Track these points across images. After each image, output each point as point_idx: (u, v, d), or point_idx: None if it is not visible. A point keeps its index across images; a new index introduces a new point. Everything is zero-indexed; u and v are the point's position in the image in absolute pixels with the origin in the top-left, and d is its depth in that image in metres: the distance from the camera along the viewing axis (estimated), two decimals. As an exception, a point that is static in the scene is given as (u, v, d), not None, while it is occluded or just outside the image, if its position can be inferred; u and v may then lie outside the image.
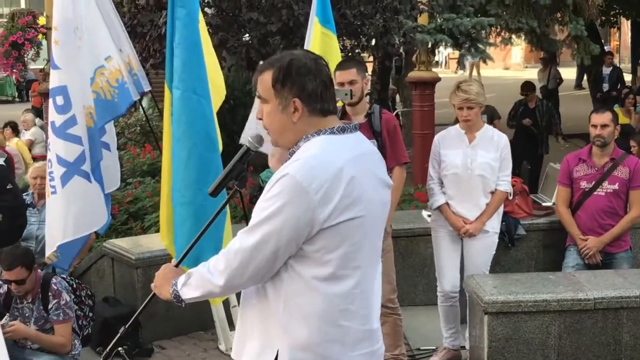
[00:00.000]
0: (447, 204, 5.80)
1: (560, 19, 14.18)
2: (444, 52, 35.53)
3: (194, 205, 5.40)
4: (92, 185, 6.14)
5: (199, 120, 5.53)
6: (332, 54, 6.28)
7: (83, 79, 6.18)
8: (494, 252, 5.97)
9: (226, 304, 6.23)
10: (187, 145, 5.48)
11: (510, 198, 6.22)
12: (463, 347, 6.02)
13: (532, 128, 12.05)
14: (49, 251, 6.18)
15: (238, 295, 3.74)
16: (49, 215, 6.27)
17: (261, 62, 2.96)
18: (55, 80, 6.12)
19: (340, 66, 5.44)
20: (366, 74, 5.61)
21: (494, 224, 5.88)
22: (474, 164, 5.71)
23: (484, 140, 5.75)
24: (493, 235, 5.89)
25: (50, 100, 6.14)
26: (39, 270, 5.78)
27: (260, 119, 2.92)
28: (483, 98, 5.74)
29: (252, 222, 2.76)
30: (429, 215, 6.30)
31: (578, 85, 27.21)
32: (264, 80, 2.84)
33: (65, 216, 6.09)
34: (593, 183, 6.33)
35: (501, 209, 5.97)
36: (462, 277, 5.89)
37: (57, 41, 6.15)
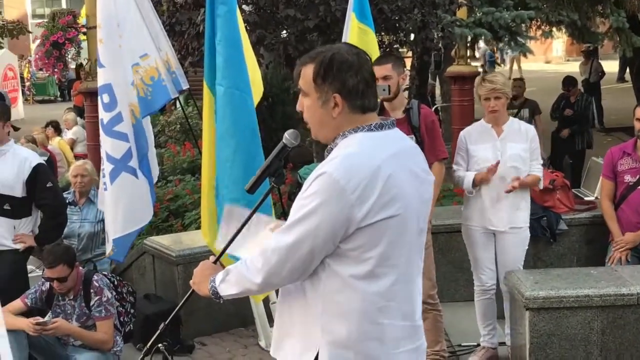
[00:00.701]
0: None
1: (601, 11, 14.00)
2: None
3: (244, 201, 5.41)
4: (139, 181, 6.23)
5: (243, 116, 5.55)
6: (370, 50, 6.25)
7: (126, 76, 6.26)
8: (527, 247, 5.92)
9: (266, 300, 6.24)
10: (232, 142, 5.49)
11: (541, 188, 6.15)
12: (503, 343, 5.97)
13: (573, 120, 11.87)
14: (108, 246, 6.33)
15: (278, 292, 3.75)
16: (105, 210, 6.38)
17: (303, 55, 2.95)
18: (101, 78, 6.22)
19: (376, 62, 5.42)
20: (404, 69, 5.58)
21: (522, 219, 5.82)
22: (505, 157, 5.69)
23: (512, 132, 5.75)
24: (524, 229, 5.83)
25: (99, 98, 6.23)
26: (80, 268, 5.84)
27: (300, 111, 2.92)
28: (509, 89, 5.76)
29: (289, 220, 2.77)
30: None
31: (620, 78, 26.84)
32: (305, 74, 2.84)
33: (115, 212, 6.20)
34: (638, 177, 6.26)
35: (528, 203, 5.88)
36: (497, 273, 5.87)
37: (102, 39, 6.23)
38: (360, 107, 2.81)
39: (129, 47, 6.35)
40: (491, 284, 5.91)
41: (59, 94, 31.14)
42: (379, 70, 5.30)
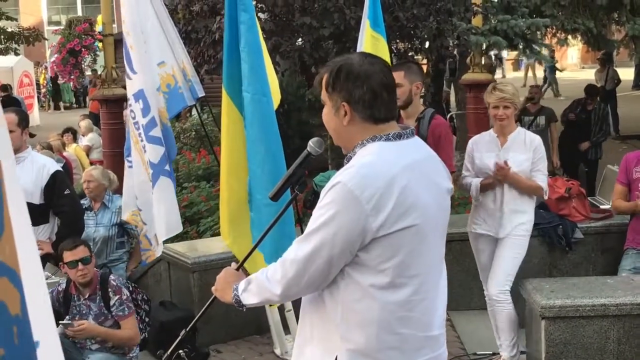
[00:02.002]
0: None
1: (617, 19, 13.97)
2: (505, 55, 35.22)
3: (277, 206, 5.40)
4: (172, 186, 6.32)
5: (270, 122, 5.57)
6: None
7: (154, 81, 6.33)
8: (520, 260, 5.74)
9: (282, 308, 6.25)
10: (261, 148, 5.51)
11: (545, 198, 6.08)
12: (523, 352, 5.91)
13: (581, 125, 11.71)
14: (159, 249, 6.48)
15: (294, 301, 3.76)
16: (153, 215, 6.48)
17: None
18: (135, 84, 6.28)
19: None
20: (421, 77, 5.57)
21: (525, 227, 5.72)
22: None
23: (516, 142, 5.73)
24: (523, 239, 5.73)
25: (135, 104, 6.29)
26: (95, 269, 5.86)
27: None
28: (518, 100, 5.76)
29: (306, 230, 2.78)
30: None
31: (636, 86, 26.76)
32: (321, 83, 2.89)
33: (158, 216, 6.26)
34: (653, 185, 6.24)
35: (532, 215, 5.80)
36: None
37: (132, 46, 6.29)
38: (370, 117, 2.81)
39: (150, 54, 6.41)
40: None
41: (74, 100, 31.30)
42: None
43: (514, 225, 5.69)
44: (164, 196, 6.26)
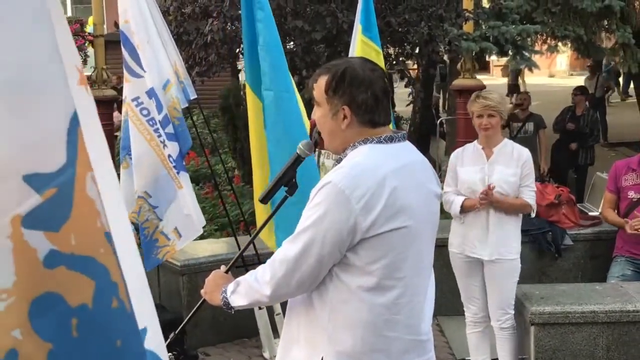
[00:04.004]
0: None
1: (607, 27, 14.03)
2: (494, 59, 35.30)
3: (303, 204, 5.31)
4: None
5: (296, 117, 5.48)
6: None
7: (161, 79, 6.32)
8: (517, 279, 5.47)
9: (270, 311, 6.24)
10: (288, 145, 5.39)
11: (533, 216, 5.83)
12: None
13: (576, 133, 11.79)
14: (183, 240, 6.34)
15: (282, 304, 3.76)
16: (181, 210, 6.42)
17: (321, 66, 2.98)
18: (147, 82, 6.25)
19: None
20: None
21: (512, 248, 5.39)
22: (491, 181, 5.30)
23: (502, 155, 5.39)
24: (514, 260, 5.40)
25: (150, 101, 6.27)
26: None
27: (314, 121, 2.95)
28: (504, 108, 5.40)
29: (296, 230, 2.79)
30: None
31: (625, 93, 26.88)
32: (319, 85, 2.87)
33: (188, 209, 6.22)
34: (642, 193, 6.27)
35: (519, 231, 5.48)
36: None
37: (139, 45, 6.27)
38: (369, 121, 2.83)
39: (156, 53, 6.39)
40: (481, 316, 5.60)
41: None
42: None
43: (501, 248, 5.36)
44: (189, 191, 6.24)
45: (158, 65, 6.32)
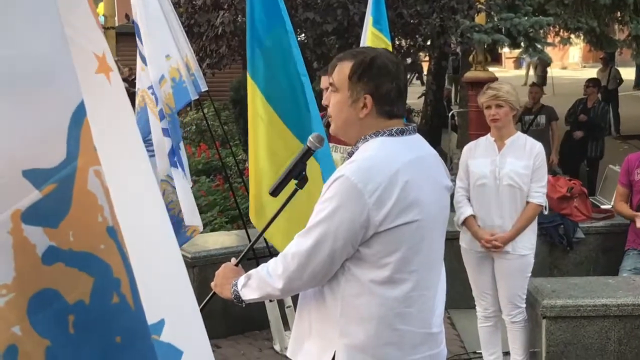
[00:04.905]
0: (473, 216, 5.38)
1: (620, 19, 13.96)
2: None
3: None
4: (184, 175, 6.26)
5: (314, 102, 5.40)
6: None
7: (157, 74, 6.31)
8: (529, 274, 5.37)
9: (281, 304, 6.24)
10: (319, 129, 5.28)
11: (546, 213, 5.80)
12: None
13: (588, 126, 11.71)
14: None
15: (293, 296, 3.75)
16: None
17: (343, 52, 2.94)
18: (150, 76, 6.25)
19: (323, 71, 5.31)
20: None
21: (526, 244, 5.31)
22: (502, 173, 5.24)
23: (514, 147, 5.28)
24: (527, 256, 5.32)
25: (152, 96, 6.26)
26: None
27: (327, 106, 2.93)
28: (514, 99, 5.28)
29: (308, 224, 2.77)
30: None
31: (637, 85, 26.77)
32: (342, 70, 2.83)
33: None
34: (655, 187, 6.23)
35: (535, 226, 5.39)
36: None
37: (144, 38, 6.28)
38: (387, 112, 2.81)
39: (155, 48, 6.38)
40: (492, 310, 5.53)
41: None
42: (324, 81, 5.12)
43: (513, 242, 5.28)
44: (180, 187, 6.21)
45: (157, 60, 6.31)
